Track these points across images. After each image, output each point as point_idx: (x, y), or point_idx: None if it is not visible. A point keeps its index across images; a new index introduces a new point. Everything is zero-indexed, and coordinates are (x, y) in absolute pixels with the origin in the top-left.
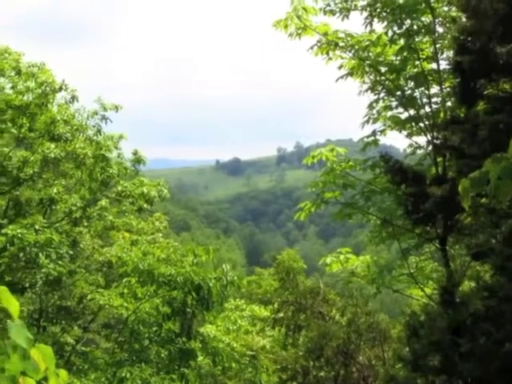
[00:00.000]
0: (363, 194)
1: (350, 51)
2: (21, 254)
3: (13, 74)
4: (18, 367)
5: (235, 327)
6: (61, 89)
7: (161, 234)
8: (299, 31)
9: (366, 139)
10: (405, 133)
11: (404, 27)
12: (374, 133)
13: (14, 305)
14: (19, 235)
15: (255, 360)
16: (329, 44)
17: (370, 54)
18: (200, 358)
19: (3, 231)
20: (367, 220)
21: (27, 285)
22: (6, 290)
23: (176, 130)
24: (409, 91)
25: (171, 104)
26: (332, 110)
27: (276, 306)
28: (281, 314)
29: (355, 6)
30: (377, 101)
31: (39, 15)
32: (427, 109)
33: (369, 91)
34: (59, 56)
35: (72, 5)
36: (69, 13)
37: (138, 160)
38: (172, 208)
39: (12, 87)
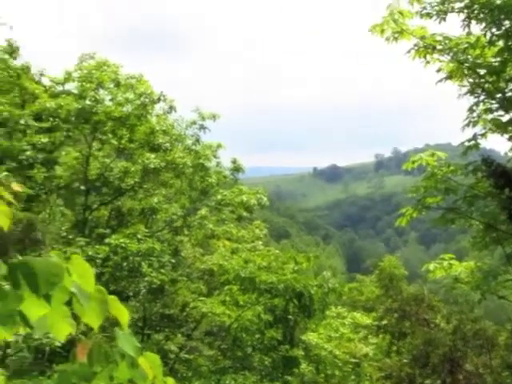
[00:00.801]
0: (465, 199)
1: (447, 54)
2: (124, 263)
3: (112, 85)
4: (126, 375)
5: (337, 335)
6: (159, 99)
7: (261, 242)
8: (396, 35)
9: (466, 143)
10: (506, 136)
11: (503, 28)
12: (474, 136)
13: (123, 314)
14: (122, 245)
15: (358, 367)
16: (426, 47)
17: (469, 56)
18: (303, 366)
19: (106, 241)
20: (470, 225)
21: (131, 293)
22: (115, 300)
23: (272, 138)
24: (509, 93)
25: (266, 111)
26: (429, 115)
27: (380, 313)
28: (385, 321)
29: (452, 8)
30: (477, 104)
31: (130, 26)
32: None
33: (468, 94)
34: (149, 66)
35: (161, 17)
36: (159, 25)
37: (236, 168)
38: (271, 215)
39: (111, 99)
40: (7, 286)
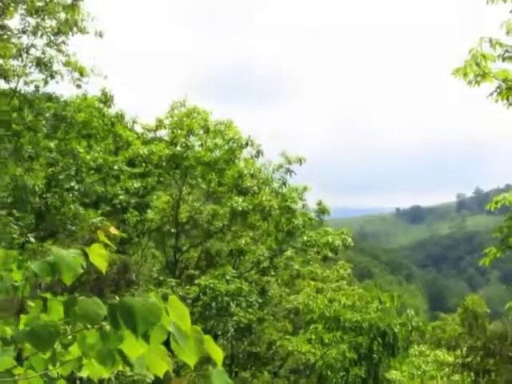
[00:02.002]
0: None
1: None
2: (213, 303)
3: (201, 132)
4: None
5: (419, 372)
6: (247, 144)
7: (345, 282)
8: (478, 78)
9: None
10: None
11: None
12: None
13: (217, 353)
14: (211, 285)
15: None
16: (509, 89)
17: None
18: None
19: (196, 281)
20: None
21: (219, 332)
22: (210, 339)
23: (355, 179)
24: None
25: (350, 155)
26: (510, 156)
27: (464, 350)
28: (469, 359)
29: None
30: None
31: (223, 74)
32: None
33: None
34: (235, 113)
35: (255, 67)
36: (251, 75)
37: (322, 210)
38: (354, 255)
39: (201, 144)
40: (107, 326)
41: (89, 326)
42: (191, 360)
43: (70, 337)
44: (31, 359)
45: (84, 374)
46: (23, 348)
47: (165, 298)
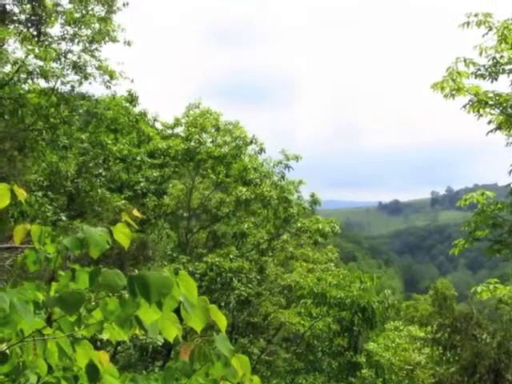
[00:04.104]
0: (510, 233)
1: (498, 108)
2: (218, 279)
3: (213, 130)
4: (220, 373)
5: (393, 345)
6: (251, 142)
7: (332, 264)
8: (453, 92)
9: None
10: None
11: None
12: None
13: (222, 320)
14: (217, 263)
15: (412, 373)
16: (479, 103)
17: None
18: (364, 370)
19: (204, 259)
20: None
21: (222, 303)
22: (215, 308)
23: (346, 176)
24: None
25: (341, 155)
26: (478, 159)
27: (434, 327)
28: (438, 335)
29: (503, 69)
30: None
31: (229, 80)
32: None
33: None
34: (243, 114)
35: (258, 74)
36: (257, 79)
37: (314, 201)
38: (341, 241)
39: (212, 141)
40: (126, 295)
41: (110, 294)
42: (198, 326)
43: (93, 303)
44: (59, 322)
45: (105, 336)
46: (53, 312)
47: (176, 272)
